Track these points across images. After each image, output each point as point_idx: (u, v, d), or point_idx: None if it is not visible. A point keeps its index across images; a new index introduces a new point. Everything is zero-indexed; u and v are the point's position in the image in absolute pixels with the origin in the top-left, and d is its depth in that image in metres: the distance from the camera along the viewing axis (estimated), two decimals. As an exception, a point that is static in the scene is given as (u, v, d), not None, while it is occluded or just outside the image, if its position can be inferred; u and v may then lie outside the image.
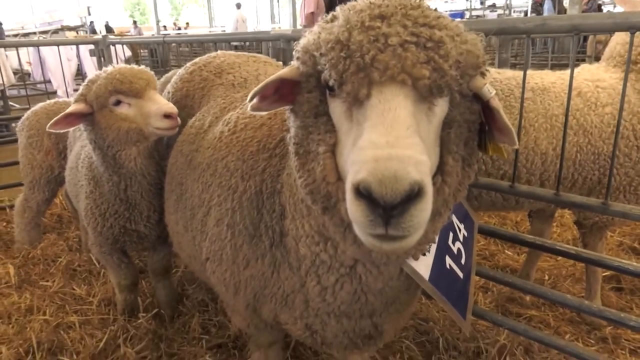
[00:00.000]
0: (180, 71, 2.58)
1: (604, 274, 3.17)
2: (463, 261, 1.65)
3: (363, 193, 0.99)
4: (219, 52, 2.67)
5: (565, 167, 2.39)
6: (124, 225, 2.50)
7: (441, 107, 1.17)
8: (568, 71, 2.04)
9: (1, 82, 6.55)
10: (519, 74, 2.55)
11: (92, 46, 4.93)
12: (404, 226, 1.01)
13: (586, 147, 2.37)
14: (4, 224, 4.10)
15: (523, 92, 2.05)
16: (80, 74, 8.13)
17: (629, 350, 2.45)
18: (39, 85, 8.60)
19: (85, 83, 2.25)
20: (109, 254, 2.66)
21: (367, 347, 1.78)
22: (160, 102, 2.17)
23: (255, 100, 1.29)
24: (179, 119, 2.20)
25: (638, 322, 1.84)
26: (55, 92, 7.72)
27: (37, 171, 3.60)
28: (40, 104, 3.71)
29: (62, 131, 2.22)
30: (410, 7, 1.16)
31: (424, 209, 1.02)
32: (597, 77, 2.49)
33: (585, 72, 2.54)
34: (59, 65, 5.41)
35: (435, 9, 1.21)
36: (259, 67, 2.41)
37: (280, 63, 2.75)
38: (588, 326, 2.69)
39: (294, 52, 1.29)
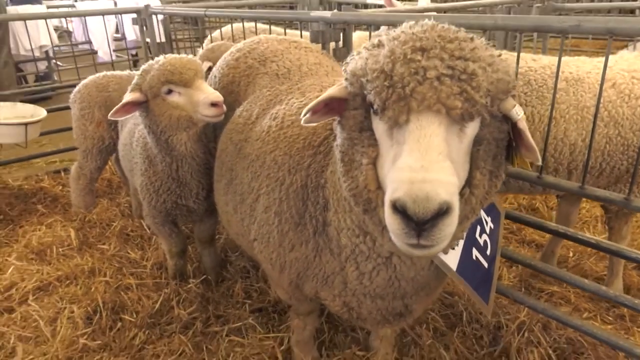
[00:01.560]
0: (226, 57, 2.72)
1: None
2: (488, 252, 1.82)
3: (399, 209, 1.17)
4: (261, 37, 2.79)
5: (594, 157, 2.49)
6: (175, 200, 2.74)
7: (472, 127, 1.31)
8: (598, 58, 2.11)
9: (47, 42, 6.83)
10: (554, 61, 2.61)
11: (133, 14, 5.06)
12: (433, 238, 1.19)
13: (616, 138, 2.44)
14: (60, 187, 4.42)
15: (555, 87, 2.13)
16: (118, 32, 8.31)
17: (644, 328, 2.60)
18: (80, 46, 8.88)
19: (139, 73, 2.43)
20: (161, 224, 2.92)
21: (397, 323, 2.00)
22: (208, 92, 2.34)
23: (308, 114, 1.45)
24: (224, 106, 2.37)
25: (650, 308, 1.99)
26: (96, 52, 8.00)
27: (89, 141, 3.86)
28: (90, 77, 3.94)
29: (121, 118, 2.43)
30: (448, 39, 1.28)
31: (451, 223, 1.19)
32: (634, 67, 2.53)
33: (623, 62, 2.58)
34: (98, 27, 5.55)
35: (472, 38, 1.32)
36: (301, 56, 2.54)
37: (320, 47, 2.87)
38: (607, 303, 2.84)
39: (342, 73, 1.43)
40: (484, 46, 1.33)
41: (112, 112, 2.35)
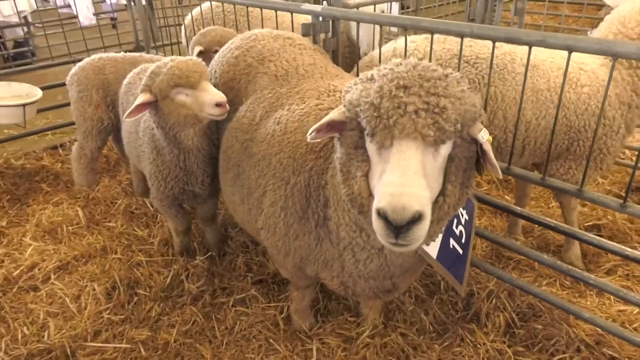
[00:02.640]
0: (226, 54, 2.92)
1: (586, 224, 3.71)
2: (463, 240, 2.15)
3: (382, 215, 1.48)
4: (257, 33, 2.98)
5: (543, 135, 2.86)
6: (182, 187, 3.00)
7: (445, 148, 1.61)
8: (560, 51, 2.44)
9: (26, 7, 6.77)
10: (515, 49, 2.96)
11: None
12: (408, 239, 1.51)
13: (562, 119, 2.82)
14: (60, 165, 4.61)
15: (523, 88, 2.43)
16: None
17: (596, 292, 3.01)
18: (60, 10, 8.72)
19: (148, 74, 2.63)
20: (168, 207, 3.19)
21: (386, 297, 2.36)
22: (212, 93, 2.56)
23: (313, 133, 1.73)
24: (227, 106, 2.60)
25: (596, 281, 2.39)
26: (76, 17, 7.91)
27: (89, 123, 4.04)
28: (86, 60, 4.07)
29: (134, 118, 2.64)
30: (426, 79, 1.56)
31: (423, 227, 1.51)
32: (582, 59, 2.88)
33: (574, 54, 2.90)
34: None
35: (447, 75, 1.60)
36: (296, 56, 2.75)
37: (311, 41, 3.08)
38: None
39: (342, 101, 1.70)
40: (456, 82, 1.61)
41: (126, 114, 2.56)
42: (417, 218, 1.46)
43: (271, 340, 2.77)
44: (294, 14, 3.42)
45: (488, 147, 1.66)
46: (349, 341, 2.75)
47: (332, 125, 1.75)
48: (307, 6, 3.26)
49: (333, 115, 1.71)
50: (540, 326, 2.69)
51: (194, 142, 2.76)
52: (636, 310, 2.77)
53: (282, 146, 2.23)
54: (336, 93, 2.34)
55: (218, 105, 2.56)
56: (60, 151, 4.85)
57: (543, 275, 3.18)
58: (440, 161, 1.61)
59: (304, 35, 3.20)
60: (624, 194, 2.28)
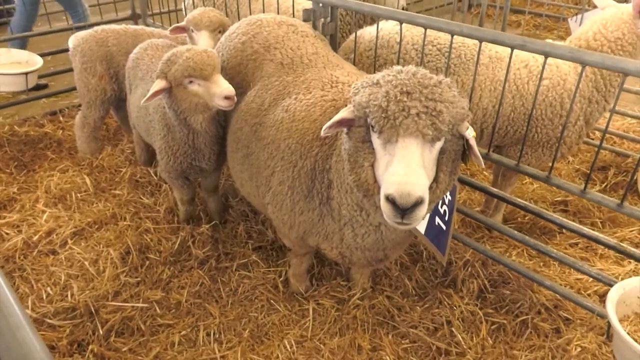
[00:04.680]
0: (233, 38, 3.13)
1: (555, 199, 4.10)
2: (446, 218, 2.48)
3: (390, 200, 1.79)
4: (262, 18, 3.19)
5: (500, 121, 3.18)
6: (190, 162, 3.25)
7: (439, 143, 1.91)
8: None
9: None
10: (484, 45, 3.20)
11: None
12: (411, 218, 1.82)
13: (520, 108, 3.13)
14: (61, 131, 4.78)
15: (503, 91, 2.73)
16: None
17: (558, 263, 3.41)
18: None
19: (164, 61, 2.82)
20: (175, 179, 3.44)
21: (377, 265, 2.71)
22: (223, 86, 2.75)
23: (325, 130, 2.01)
24: (235, 97, 2.80)
25: (557, 254, 2.77)
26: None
27: (92, 93, 4.21)
28: (89, 32, 4.20)
29: (150, 102, 2.86)
30: (424, 85, 1.84)
31: (423, 209, 1.82)
32: None
33: None
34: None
35: (440, 82, 1.88)
36: (300, 44, 2.97)
37: (311, 27, 3.29)
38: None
39: (351, 101, 1.97)
40: (448, 87, 1.90)
41: (144, 99, 2.78)
42: (419, 202, 1.77)
43: (272, 301, 3.11)
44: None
45: (473, 142, 1.96)
46: (341, 303, 3.11)
47: (341, 122, 2.02)
48: (307, -8, 3.46)
49: (343, 114, 1.98)
50: (508, 292, 3.09)
51: (203, 126, 3.00)
52: (591, 279, 3.18)
53: (291, 132, 2.50)
54: (338, 84, 2.60)
55: (227, 97, 2.78)
56: (61, 118, 5.00)
57: (513, 245, 3.57)
58: (434, 154, 1.91)
59: (304, 20, 3.41)
60: (601, 179, 2.61)
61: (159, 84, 2.78)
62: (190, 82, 2.78)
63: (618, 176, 4.36)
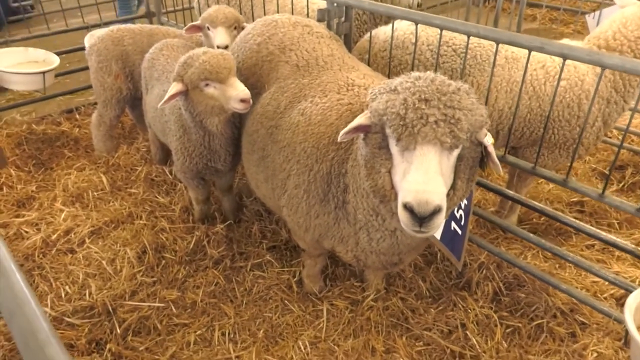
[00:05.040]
0: (249, 39, 3.13)
1: (571, 199, 4.06)
2: (462, 222, 2.48)
3: (408, 208, 1.78)
4: (277, 19, 3.19)
5: (517, 123, 3.14)
6: (206, 163, 3.27)
7: (457, 150, 1.90)
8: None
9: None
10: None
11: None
12: (429, 226, 1.82)
13: (536, 109, 3.09)
14: (77, 129, 4.84)
15: (520, 94, 2.70)
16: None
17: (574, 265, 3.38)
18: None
19: (181, 64, 2.83)
20: (191, 179, 3.47)
21: (392, 269, 2.71)
22: (239, 89, 2.75)
23: (342, 136, 2.01)
24: (251, 100, 2.79)
25: (574, 258, 2.75)
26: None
27: (108, 92, 4.25)
28: (105, 31, 4.23)
29: (168, 105, 2.88)
30: (443, 92, 1.83)
31: (441, 217, 1.82)
32: None
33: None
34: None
35: (459, 89, 1.87)
36: (315, 45, 2.96)
37: (325, 28, 3.27)
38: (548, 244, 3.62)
39: (368, 107, 1.96)
40: (466, 94, 1.88)
41: (161, 103, 2.80)
42: (437, 210, 1.76)
43: (286, 302, 3.13)
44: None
45: (492, 149, 1.95)
46: (355, 304, 3.12)
47: (358, 128, 2.02)
48: (322, -9, 3.45)
49: (360, 120, 1.98)
50: (523, 295, 3.08)
51: (218, 128, 3.02)
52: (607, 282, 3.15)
53: (307, 136, 2.50)
54: (354, 87, 2.59)
55: (243, 100, 2.77)
56: (77, 116, 5.06)
57: (528, 247, 3.55)
58: (452, 161, 1.90)
59: (319, 20, 3.40)
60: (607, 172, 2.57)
61: (176, 87, 2.80)
62: (207, 85, 2.79)
63: (636, 175, 4.30)
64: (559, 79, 2.50)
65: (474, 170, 2.03)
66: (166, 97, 2.78)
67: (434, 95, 1.82)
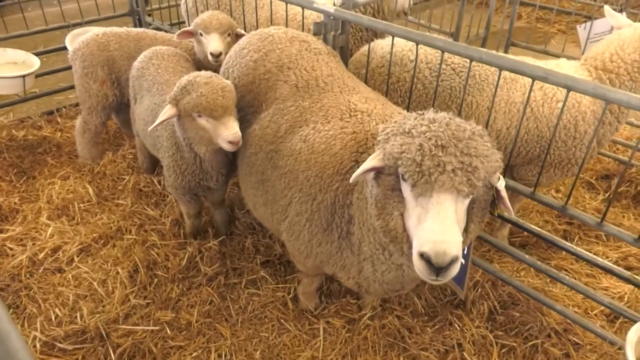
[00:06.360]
0: (244, 55, 3.04)
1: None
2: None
3: (425, 258, 1.77)
4: (272, 33, 3.10)
5: (512, 144, 3.13)
6: (198, 182, 3.20)
7: (472, 195, 1.89)
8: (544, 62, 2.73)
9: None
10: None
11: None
12: (446, 275, 1.81)
13: (533, 130, 3.11)
14: (59, 133, 4.67)
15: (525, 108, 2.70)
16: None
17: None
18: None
19: (179, 87, 2.73)
20: (182, 194, 3.39)
21: (393, 294, 2.71)
22: (230, 130, 2.69)
23: (354, 178, 1.97)
24: (240, 141, 2.73)
25: (568, 281, 2.79)
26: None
27: (94, 99, 4.10)
28: (90, 35, 4.06)
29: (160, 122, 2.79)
30: (459, 139, 1.80)
31: (457, 266, 1.81)
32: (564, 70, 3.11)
33: (557, 69, 3.14)
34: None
35: (474, 133, 1.85)
36: (314, 63, 2.90)
37: (324, 48, 3.17)
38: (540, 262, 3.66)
39: (380, 147, 1.93)
40: (481, 139, 1.86)
41: (152, 126, 2.74)
42: (454, 260, 1.75)
43: (282, 321, 3.11)
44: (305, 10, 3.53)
45: (504, 193, 1.95)
46: (352, 322, 3.12)
47: (370, 169, 1.98)
48: (319, 5, 3.36)
49: (372, 162, 1.93)
50: (517, 313, 3.12)
51: (206, 156, 2.97)
52: (598, 299, 3.22)
53: (310, 165, 2.45)
54: (357, 113, 2.54)
55: (231, 142, 2.71)
56: (58, 118, 4.88)
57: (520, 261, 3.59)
58: (466, 205, 1.89)
59: (315, 34, 3.33)
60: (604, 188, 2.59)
61: (169, 112, 2.72)
62: (200, 116, 2.72)
63: (621, 186, 4.39)
64: (562, 111, 2.50)
65: (485, 212, 2.03)
66: (158, 121, 2.71)
67: (451, 142, 1.79)
